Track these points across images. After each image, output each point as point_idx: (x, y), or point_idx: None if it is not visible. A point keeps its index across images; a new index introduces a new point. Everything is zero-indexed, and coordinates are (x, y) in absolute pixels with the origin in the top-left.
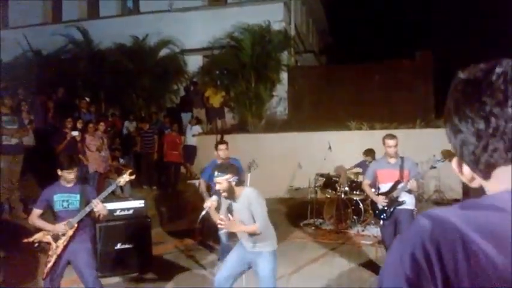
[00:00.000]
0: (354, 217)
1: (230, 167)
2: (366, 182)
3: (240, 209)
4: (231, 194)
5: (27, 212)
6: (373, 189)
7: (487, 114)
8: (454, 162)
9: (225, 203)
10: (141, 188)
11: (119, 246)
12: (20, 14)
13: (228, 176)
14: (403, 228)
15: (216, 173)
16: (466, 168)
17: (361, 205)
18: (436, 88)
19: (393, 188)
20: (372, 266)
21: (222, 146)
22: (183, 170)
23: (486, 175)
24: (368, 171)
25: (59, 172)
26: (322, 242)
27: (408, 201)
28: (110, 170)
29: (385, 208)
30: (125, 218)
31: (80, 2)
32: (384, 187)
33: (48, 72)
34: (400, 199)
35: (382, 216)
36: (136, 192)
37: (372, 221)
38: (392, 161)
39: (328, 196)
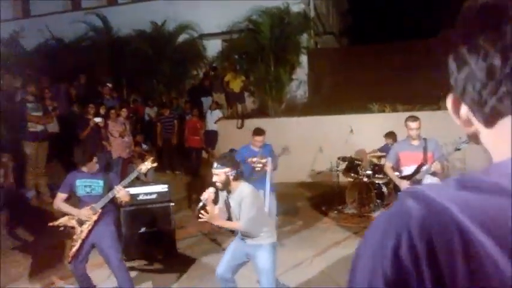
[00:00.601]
0: (377, 201)
1: (231, 159)
2: (388, 165)
3: (234, 204)
4: (226, 187)
5: (54, 197)
6: (396, 173)
7: (506, 48)
8: (450, 99)
9: (222, 195)
10: (164, 172)
11: (142, 230)
12: (40, 2)
13: (227, 169)
14: None
15: (215, 164)
16: (464, 109)
17: (384, 188)
18: None
19: (416, 171)
20: None
21: (260, 138)
22: (204, 155)
23: (488, 123)
24: (390, 154)
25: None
26: (345, 225)
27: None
28: (133, 155)
29: None
30: (148, 202)
31: None
32: (407, 170)
33: (70, 60)
34: (423, 182)
35: None
36: (159, 177)
37: None
38: (416, 143)
39: (351, 180)
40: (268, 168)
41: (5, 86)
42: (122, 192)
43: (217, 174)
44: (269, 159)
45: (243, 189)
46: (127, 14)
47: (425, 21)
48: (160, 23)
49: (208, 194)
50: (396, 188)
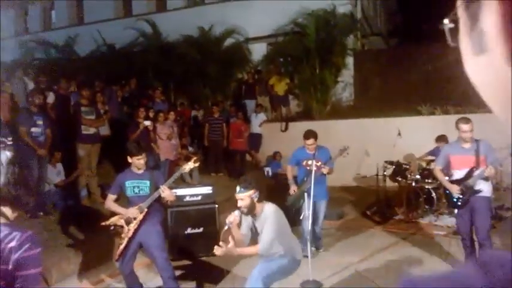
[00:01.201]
0: (426, 206)
1: (253, 182)
2: (437, 168)
3: (261, 227)
4: (251, 211)
5: (105, 197)
6: (446, 177)
7: None
8: None
9: (247, 220)
10: (209, 175)
11: (188, 230)
12: (93, 10)
13: (251, 192)
14: (480, 218)
15: (238, 188)
16: None
17: (433, 194)
18: None
19: (468, 175)
20: (445, 257)
21: (309, 142)
22: (248, 157)
23: None
24: (440, 156)
25: (129, 159)
26: (392, 231)
27: (485, 189)
28: (180, 158)
29: (460, 196)
30: (194, 203)
31: None
32: (458, 174)
33: (121, 65)
34: (476, 187)
35: (456, 205)
36: (204, 179)
37: (446, 211)
38: (467, 145)
39: (398, 184)
40: (325, 170)
41: (61, 90)
42: (166, 192)
43: (241, 199)
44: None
45: (266, 210)
46: (175, 19)
47: None
48: (207, 28)
49: (234, 217)
50: (447, 192)
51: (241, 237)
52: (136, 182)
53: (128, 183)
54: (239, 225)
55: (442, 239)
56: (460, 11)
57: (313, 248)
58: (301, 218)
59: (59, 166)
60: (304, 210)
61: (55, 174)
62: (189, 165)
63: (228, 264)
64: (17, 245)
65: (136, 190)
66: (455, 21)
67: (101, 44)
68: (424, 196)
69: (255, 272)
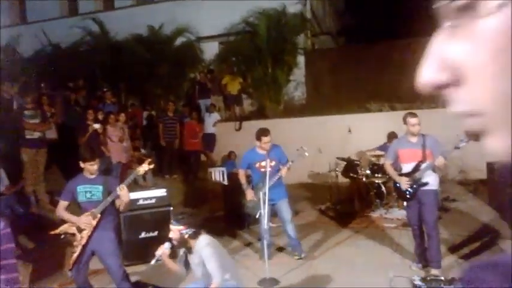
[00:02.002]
0: (377, 200)
1: (186, 218)
2: (387, 162)
3: (198, 261)
4: (184, 245)
5: (53, 203)
6: (395, 171)
7: None
8: None
9: (190, 256)
10: (162, 177)
11: (143, 235)
12: (36, 9)
13: (180, 228)
14: (427, 210)
15: (171, 221)
16: None
17: (383, 188)
18: None
19: (416, 168)
20: (396, 248)
21: (266, 139)
22: (203, 158)
23: None
24: (389, 151)
25: (82, 164)
26: (345, 226)
27: (432, 182)
28: (132, 160)
29: (408, 189)
30: (147, 207)
31: None
32: (406, 167)
33: (67, 65)
34: (423, 180)
35: (405, 197)
36: (158, 181)
37: (395, 204)
38: (414, 139)
39: (350, 180)
40: (284, 171)
41: (4, 93)
42: (123, 191)
43: (172, 231)
44: (281, 161)
45: (199, 244)
46: (124, 18)
47: (423, 20)
48: (157, 26)
49: (162, 250)
50: (396, 186)
51: (177, 267)
52: (89, 187)
53: (80, 188)
54: (171, 256)
55: (392, 231)
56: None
57: (296, 257)
58: (257, 216)
59: (2, 173)
60: (259, 209)
61: None
62: (144, 168)
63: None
64: None
65: (88, 195)
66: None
67: (45, 44)
68: (375, 190)
69: None
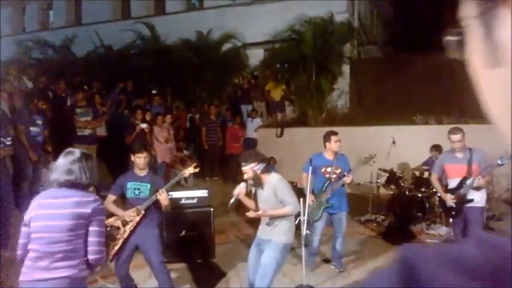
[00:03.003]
0: (419, 215)
1: (254, 155)
2: (434, 176)
3: (266, 196)
4: (257, 182)
5: (100, 197)
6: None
7: None
8: None
9: (258, 190)
10: (203, 178)
11: (183, 233)
12: (91, 11)
13: (252, 165)
14: (472, 228)
15: (241, 163)
16: None
17: (426, 202)
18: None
19: (460, 184)
20: None
21: (335, 137)
22: None
23: None
24: (435, 165)
25: (132, 157)
26: (385, 238)
27: (478, 199)
28: (175, 161)
29: (453, 206)
30: (189, 206)
31: None
32: (452, 183)
33: (118, 67)
34: (468, 197)
35: (450, 214)
36: (198, 183)
37: (438, 220)
38: (460, 155)
39: (392, 192)
40: (348, 180)
41: (59, 91)
42: (163, 195)
43: (245, 172)
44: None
45: (272, 179)
46: (174, 23)
47: None
48: (206, 32)
49: (239, 189)
50: (442, 201)
51: (252, 203)
52: (138, 184)
53: (129, 185)
54: (249, 195)
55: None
56: (472, 22)
57: (332, 267)
58: (295, 222)
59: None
60: (300, 215)
61: (48, 175)
62: (189, 170)
63: (222, 267)
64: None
65: (136, 192)
66: (460, 33)
67: (98, 45)
68: (417, 205)
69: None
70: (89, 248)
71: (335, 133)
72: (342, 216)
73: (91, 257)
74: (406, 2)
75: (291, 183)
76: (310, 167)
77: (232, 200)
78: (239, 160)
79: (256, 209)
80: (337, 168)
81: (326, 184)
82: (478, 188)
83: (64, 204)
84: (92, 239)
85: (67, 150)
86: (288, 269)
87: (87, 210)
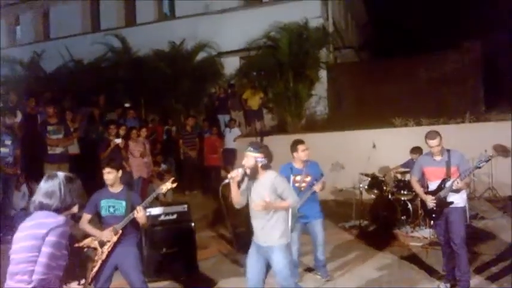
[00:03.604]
0: (402, 218)
1: (264, 148)
2: (414, 179)
3: (259, 191)
4: (253, 174)
5: (74, 218)
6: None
7: None
8: None
9: (245, 180)
10: (182, 193)
11: (164, 250)
12: (59, 25)
13: (258, 155)
14: (454, 228)
15: (249, 147)
16: None
17: (409, 205)
18: (485, 80)
19: (440, 187)
20: (423, 267)
21: (303, 146)
22: (223, 174)
23: None
24: (415, 168)
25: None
26: (370, 244)
27: (458, 199)
28: (153, 175)
29: (434, 208)
30: (169, 222)
31: (117, 10)
32: (432, 185)
33: (89, 81)
34: (448, 199)
35: (432, 216)
36: (178, 197)
37: (422, 222)
38: (438, 158)
39: (374, 196)
40: (318, 187)
41: (29, 108)
42: (140, 214)
43: (247, 157)
44: (316, 177)
45: (270, 174)
46: (145, 34)
47: (447, 34)
48: (179, 42)
49: (236, 172)
50: (423, 203)
51: (238, 193)
52: (112, 201)
53: (103, 202)
54: (239, 183)
55: (418, 250)
56: None
57: (318, 276)
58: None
59: (24, 188)
60: None
61: (20, 197)
62: (166, 186)
63: (206, 283)
64: None
65: (111, 210)
66: None
67: (68, 59)
68: (400, 208)
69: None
70: (35, 268)
71: (301, 142)
72: (316, 224)
73: (33, 277)
74: (379, 5)
75: None
76: None
77: (225, 181)
78: (249, 144)
79: (248, 203)
80: (307, 176)
81: (297, 193)
82: (457, 191)
83: (29, 226)
84: (40, 259)
85: (48, 174)
86: (273, 282)
87: (43, 230)
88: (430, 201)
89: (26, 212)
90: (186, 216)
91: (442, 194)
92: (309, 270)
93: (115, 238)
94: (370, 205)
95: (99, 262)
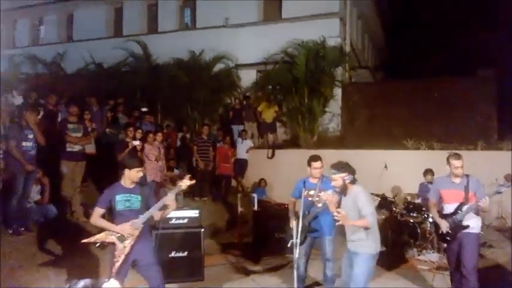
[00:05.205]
0: (410, 240)
1: (346, 166)
2: (431, 202)
3: (348, 205)
4: (343, 191)
5: (87, 215)
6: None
7: None
8: None
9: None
10: (192, 199)
11: (173, 254)
12: (83, 28)
13: (343, 175)
14: (467, 253)
15: (332, 170)
16: None
17: (417, 228)
18: (499, 109)
19: (457, 210)
20: None
21: (316, 164)
22: (233, 183)
23: None
24: (431, 190)
25: (127, 172)
26: (377, 263)
27: (473, 225)
28: (165, 179)
29: (449, 231)
30: (179, 226)
31: (140, 17)
32: (448, 208)
33: (108, 84)
34: (464, 223)
35: (445, 239)
36: (188, 203)
37: (429, 246)
38: (457, 180)
39: (383, 217)
40: (332, 203)
41: (49, 105)
42: (172, 201)
43: (335, 180)
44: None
45: (356, 189)
46: (166, 42)
47: (463, 60)
48: (198, 52)
49: (331, 197)
50: (437, 226)
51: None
52: (128, 195)
53: (119, 197)
54: (338, 203)
55: (425, 273)
56: None
57: None
58: (288, 245)
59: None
60: (292, 237)
61: (36, 191)
62: (185, 182)
63: None
64: None
65: (127, 204)
66: None
67: (89, 62)
68: (409, 230)
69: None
70: None
71: (316, 159)
72: (325, 240)
73: None
74: (397, 28)
75: (282, 205)
76: (297, 192)
77: (320, 205)
78: (330, 167)
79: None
80: (321, 191)
81: (309, 208)
82: (476, 213)
83: None
84: None
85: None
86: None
87: None
88: (445, 226)
89: (38, 206)
90: (196, 221)
91: (458, 217)
92: (317, 284)
93: (137, 232)
94: (378, 226)
95: (122, 257)
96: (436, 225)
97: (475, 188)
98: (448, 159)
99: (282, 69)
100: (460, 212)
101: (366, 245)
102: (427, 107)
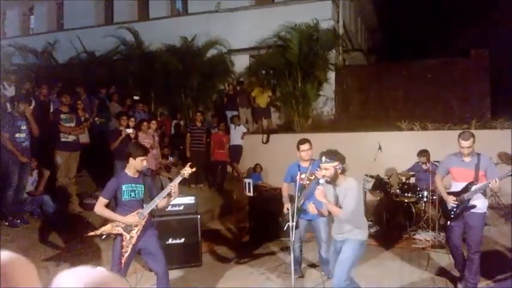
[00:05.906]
0: (405, 220)
1: (338, 154)
2: (438, 177)
3: (340, 196)
4: (334, 180)
5: (83, 205)
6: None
7: None
8: None
9: (329, 189)
10: (188, 186)
11: (170, 241)
12: (73, 16)
13: (335, 164)
14: (473, 233)
15: (324, 158)
16: None
17: (412, 208)
18: (492, 88)
19: (466, 189)
20: (424, 270)
21: (304, 147)
22: (229, 169)
23: None
24: (440, 167)
25: (132, 161)
26: (371, 244)
27: (480, 205)
28: (160, 167)
29: (454, 208)
30: (176, 213)
31: (130, 4)
32: (457, 186)
33: (100, 73)
34: (471, 202)
35: (449, 216)
36: (184, 190)
37: (424, 225)
38: (467, 159)
39: (378, 198)
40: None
41: (41, 95)
42: (175, 188)
43: (326, 169)
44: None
45: (349, 182)
46: (158, 29)
47: (455, 40)
48: (190, 38)
49: (323, 183)
50: (442, 203)
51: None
52: (133, 185)
53: (125, 187)
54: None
55: (420, 252)
56: None
57: (322, 273)
58: (284, 229)
59: (35, 174)
60: (288, 220)
61: (30, 182)
62: (187, 170)
63: (209, 277)
64: None
65: (132, 194)
66: None
67: (80, 51)
68: (403, 210)
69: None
70: None
71: (304, 142)
72: (320, 223)
73: None
74: (390, 10)
75: (278, 189)
76: (289, 176)
77: (321, 182)
78: (322, 155)
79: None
80: (312, 174)
81: (301, 190)
82: (485, 194)
83: None
84: None
85: None
86: (274, 277)
87: None
88: (452, 202)
89: (33, 197)
90: (192, 208)
91: (466, 196)
92: (313, 266)
93: (143, 222)
94: (374, 206)
95: (130, 247)
96: (441, 201)
97: (486, 167)
98: (458, 137)
99: (275, 54)
100: (469, 190)
101: (355, 233)
102: (420, 88)
